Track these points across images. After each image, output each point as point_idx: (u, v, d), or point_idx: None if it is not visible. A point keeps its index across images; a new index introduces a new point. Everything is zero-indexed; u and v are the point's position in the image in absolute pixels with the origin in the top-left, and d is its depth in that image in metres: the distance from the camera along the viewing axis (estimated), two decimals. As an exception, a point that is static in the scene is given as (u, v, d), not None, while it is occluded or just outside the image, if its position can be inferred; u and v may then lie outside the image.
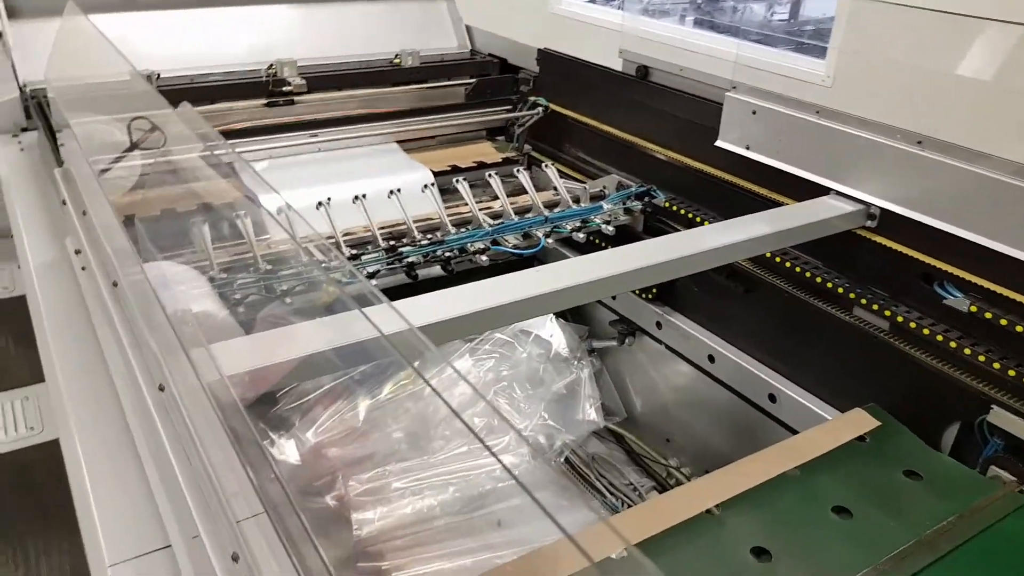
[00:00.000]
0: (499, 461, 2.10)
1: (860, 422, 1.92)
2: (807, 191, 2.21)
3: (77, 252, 1.96)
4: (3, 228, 2.94)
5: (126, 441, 1.50)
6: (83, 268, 1.89)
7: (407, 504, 2.18)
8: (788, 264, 2.23)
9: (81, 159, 1.97)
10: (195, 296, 1.80)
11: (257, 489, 0.96)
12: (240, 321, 1.89)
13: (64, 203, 2.02)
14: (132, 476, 1.44)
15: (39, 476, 1.99)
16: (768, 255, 2.25)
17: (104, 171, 1.89)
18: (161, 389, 1.24)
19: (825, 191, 2.19)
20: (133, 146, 2.08)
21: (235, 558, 0.96)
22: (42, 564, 1.76)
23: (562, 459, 2.67)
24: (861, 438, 1.87)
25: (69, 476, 1.55)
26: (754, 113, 2.31)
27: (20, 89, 2.86)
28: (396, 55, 3.36)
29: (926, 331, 1.96)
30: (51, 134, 2.44)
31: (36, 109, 2.71)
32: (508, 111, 3.29)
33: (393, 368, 2.33)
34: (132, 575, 1.25)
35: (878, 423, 1.91)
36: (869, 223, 2.11)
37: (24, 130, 2.84)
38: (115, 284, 1.57)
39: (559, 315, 2.86)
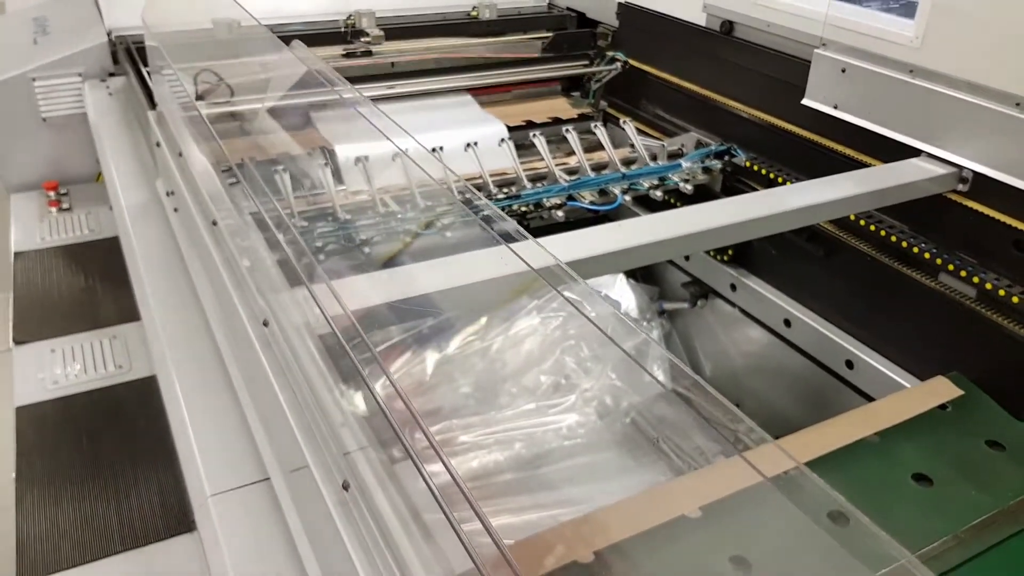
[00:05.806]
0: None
1: (942, 390, 1.88)
2: (895, 153, 2.15)
3: (169, 194, 2.00)
4: (86, 173, 3.03)
5: (221, 376, 1.54)
6: (175, 209, 1.93)
7: (473, 458, 2.20)
8: (872, 227, 2.17)
9: (176, 102, 2.00)
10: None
11: (367, 422, 0.98)
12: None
13: (158, 145, 2.05)
14: (228, 410, 1.48)
15: (128, 412, 2.05)
16: (852, 218, 2.20)
17: (199, 114, 1.92)
18: (265, 324, 1.27)
19: (915, 153, 2.13)
20: (199, 97, 2.10)
21: (345, 486, 0.99)
22: (132, 496, 1.82)
23: (628, 420, 2.67)
24: (943, 406, 1.83)
25: (168, 411, 1.59)
26: (843, 71, 2.26)
27: (107, 35, 2.93)
28: (473, 7, 3.34)
29: (1015, 299, 1.90)
30: (141, 79, 2.49)
31: (125, 54, 2.76)
32: (585, 66, 3.24)
33: (460, 323, 2.34)
34: (232, 505, 1.29)
35: (961, 392, 1.87)
36: (960, 187, 2.04)
37: (111, 75, 2.91)
38: (214, 223, 1.61)
39: (629, 275, 2.84)
